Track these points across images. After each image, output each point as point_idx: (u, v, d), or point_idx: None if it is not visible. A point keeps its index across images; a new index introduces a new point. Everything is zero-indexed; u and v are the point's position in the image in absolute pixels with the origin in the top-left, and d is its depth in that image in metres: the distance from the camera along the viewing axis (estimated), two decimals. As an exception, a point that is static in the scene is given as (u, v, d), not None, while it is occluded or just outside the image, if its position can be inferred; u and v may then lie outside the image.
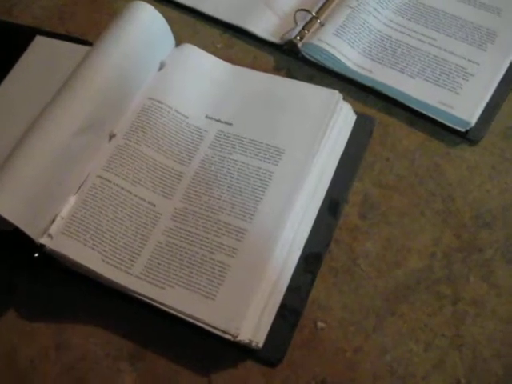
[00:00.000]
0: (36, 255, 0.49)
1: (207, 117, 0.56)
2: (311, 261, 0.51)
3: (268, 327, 0.47)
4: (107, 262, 0.49)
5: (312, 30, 0.60)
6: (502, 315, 0.49)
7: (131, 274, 0.48)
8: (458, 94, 0.56)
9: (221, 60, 0.59)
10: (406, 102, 0.57)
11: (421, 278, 0.50)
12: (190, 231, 0.50)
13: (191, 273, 0.48)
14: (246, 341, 0.46)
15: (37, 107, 0.53)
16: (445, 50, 0.59)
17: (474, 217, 0.53)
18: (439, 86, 0.57)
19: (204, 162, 0.53)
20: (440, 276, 0.50)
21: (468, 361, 0.47)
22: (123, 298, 0.49)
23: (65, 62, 0.57)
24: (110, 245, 0.49)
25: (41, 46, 0.63)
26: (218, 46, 0.63)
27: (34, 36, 0.63)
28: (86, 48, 0.57)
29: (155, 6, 0.61)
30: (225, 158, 0.53)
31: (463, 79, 0.57)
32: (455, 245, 0.52)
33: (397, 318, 0.49)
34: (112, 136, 0.54)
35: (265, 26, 0.63)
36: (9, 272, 0.52)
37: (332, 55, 0.58)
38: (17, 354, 0.49)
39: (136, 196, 0.51)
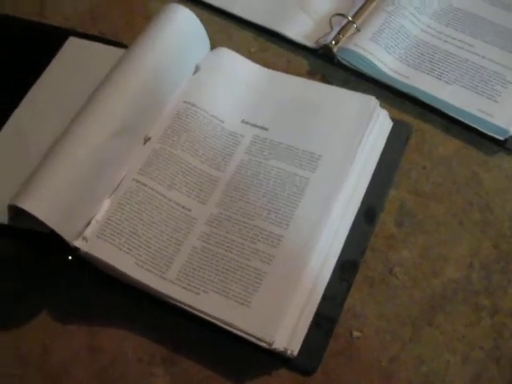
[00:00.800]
0: (70, 258, 0.50)
1: (243, 121, 0.55)
2: (347, 269, 0.50)
3: (303, 335, 0.47)
4: (141, 267, 0.48)
5: (348, 34, 0.60)
6: (541, 328, 0.48)
7: (165, 279, 0.48)
8: (496, 101, 0.56)
9: (256, 64, 0.59)
10: (443, 109, 0.56)
11: (458, 288, 0.50)
12: (225, 237, 0.50)
13: (226, 279, 0.48)
14: (281, 349, 0.45)
15: (70, 109, 0.53)
16: (483, 57, 0.58)
17: (512, 227, 0.52)
18: (477, 93, 0.56)
19: (240, 167, 0.53)
20: (478, 287, 0.50)
21: (507, 374, 0.46)
22: (157, 302, 0.49)
23: (98, 63, 0.57)
24: (144, 249, 0.49)
25: (74, 47, 0.63)
26: (252, 49, 0.63)
27: (67, 37, 0.63)
28: (119, 50, 0.57)
29: (189, 8, 0.61)
30: (261, 163, 0.53)
31: (502, 87, 0.56)
32: (493, 255, 0.51)
33: (433, 329, 0.48)
34: (147, 139, 0.54)
35: (299, 29, 0.62)
36: (43, 273, 0.52)
37: (368, 60, 0.58)
38: (48, 356, 0.49)
39: (171, 200, 0.51)
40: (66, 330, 0.50)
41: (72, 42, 0.63)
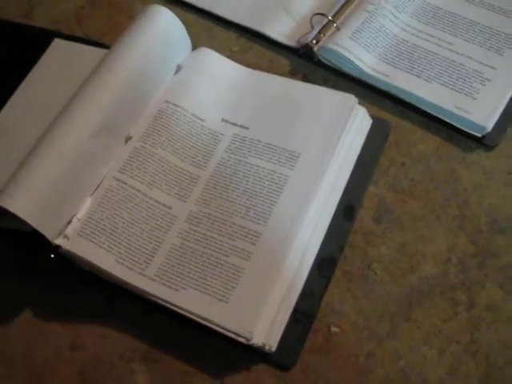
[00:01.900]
0: (52, 256, 0.50)
1: (223, 120, 0.56)
2: (325, 265, 0.51)
3: (281, 331, 0.47)
4: (122, 264, 0.49)
5: (328, 33, 0.60)
6: (518, 322, 0.48)
7: (145, 276, 0.49)
8: (474, 98, 0.56)
9: (237, 64, 0.59)
10: (422, 107, 0.57)
11: (435, 283, 0.50)
12: (204, 234, 0.50)
13: (205, 275, 0.48)
14: (259, 344, 0.46)
15: (55, 109, 0.53)
16: (462, 55, 0.59)
17: (489, 222, 0.52)
18: (456, 90, 0.57)
19: (220, 165, 0.53)
20: (455, 282, 0.50)
21: (482, 368, 0.47)
22: (137, 299, 0.49)
23: (82, 64, 0.58)
24: (124, 246, 0.50)
25: (59, 48, 0.63)
26: (234, 49, 0.63)
27: (52, 39, 0.64)
28: (103, 51, 0.58)
29: (172, 10, 0.61)
30: (240, 161, 0.53)
31: (480, 84, 0.57)
32: (470, 250, 0.51)
33: (411, 324, 0.49)
34: (128, 138, 0.54)
35: (281, 29, 0.63)
36: (25, 272, 0.53)
37: (348, 59, 0.58)
38: (33, 354, 0.50)
39: (151, 198, 0.52)
40: (49, 328, 0.50)
41: (57, 44, 0.64)
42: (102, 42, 0.63)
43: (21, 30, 0.67)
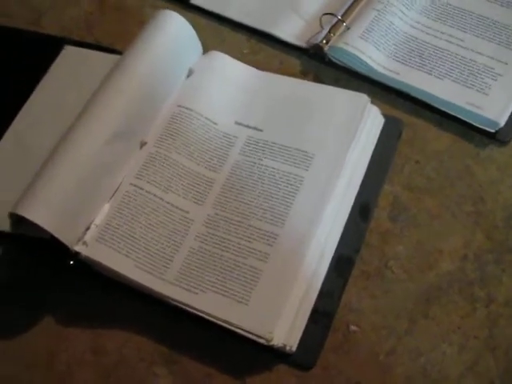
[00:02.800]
0: (71, 262, 0.51)
1: (236, 123, 0.56)
2: (343, 265, 0.51)
3: (301, 331, 0.48)
4: (141, 269, 0.49)
5: (338, 33, 0.61)
6: (536, 316, 0.49)
7: (165, 280, 0.49)
8: (486, 94, 0.56)
9: (248, 66, 0.60)
10: (434, 104, 0.57)
11: (453, 280, 0.50)
12: (222, 237, 0.51)
13: (224, 278, 0.49)
14: (280, 345, 0.46)
15: (68, 116, 0.54)
16: (472, 51, 0.59)
17: (505, 217, 0.53)
18: (467, 86, 0.57)
19: (235, 168, 0.54)
20: (472, 278, 0.50)
21: (502, 363, 0.47)
22: (157, 303, 0.50)
23: (94, 71, 0.58)
24: (143, 251, 0.50)
25: (70, 55, 0.64)
26: (245, 51, 0.64)
27: (63, 46, 0.64)
28: (114, 57, 0.58)
29: (182, 14, 0.62)
30: (255, 163, 0.54)
31: (492, 79, 0.57)
32: (487, 246, 0.52)
33: (429, 321, 0.49)
34: (143, 144, 0.55)
35: (291, 30, 0.63)
36: (46, 278, 0.53)
37: (359, 58, 0.59)
38: (54, 359, 0.50)
39: (168, 203, 0.52)
40: (70, 334, 0.51)
41: (68, 51, 0.64)
42: (113, 48, 0.63)
43: (31, 38, 0.67)
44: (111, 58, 0.59)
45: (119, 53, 0.59)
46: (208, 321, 0.48)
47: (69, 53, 0.64)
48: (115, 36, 0.66)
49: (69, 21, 0.69)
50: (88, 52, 0.64)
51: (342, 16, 0.61)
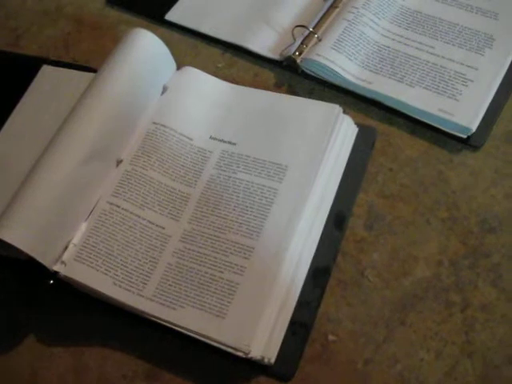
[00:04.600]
0: (51, 282, 0.51)
1: (211, 137, 0.57)
2: (319, 275, 0.51)
3: (279, 343, 0.48)
4: (119, 286, 0.50)
5: (310, 45, 0.61)
6: (512, 320, 0.49)
7: (143, 296, 0.49)
8: (457, 100, 0.57)
9: (221, 80, 0.60)
10: (407, 112, 0.57)
11: (429, 286, 0.51)
12: (198, 252, 0.51)
13: (201, 292, 0.49)
14: (258, 357, 0.46)
15: (47, 136, 0.54)
16: (443, 57, 0.59)
17: (479, 222, 0.53)
18: (439, 93, 0.57)
19: (210, 182, 0.54)
20: (448, 283, 0.51)
21: (479, 368, 0.47)
22: (137, 319, 0.50)
23: (71, 89, 0.59)
24: (121, 269, 0.50)
25: (47, 75, 0.64)
26: (220, 65, 0.64)
27: (41, 65, 0.65)
28: (91, 75, 0.58)
29: (157, 29, 0.62)
30: (230, 177, 0.54)
31: (462, 85, 0.58)
32: (462, 251, 0.52)
33: (406, 328, 0.49)
34: (119, 162, 0.55)
35: (264, 43, 0.64)
36: (25, 298, 0.54)
37: (331, 69, 0.59)
38: (38, 378, 0.51)
39: (145, 220, 0.53)
40: (52, 353, 0.51)
41: (46, 70, 0.65)
42: (90, 66, 0.64)
43: (9, 59, 0.68)
44: (88, 76, 0.59)
45: (96, 71, 0.59)
46: (187, 336, 0.48)
47: (47, 72, 0.65)
48: (92, 54, 0.67)
49: (46, 41, 0.69)
50: (65, 71, 0.64)
51: (313, 28, 0.62)
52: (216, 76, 0.61)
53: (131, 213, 0.53)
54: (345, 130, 0.56)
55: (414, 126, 0.58)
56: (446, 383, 0.47)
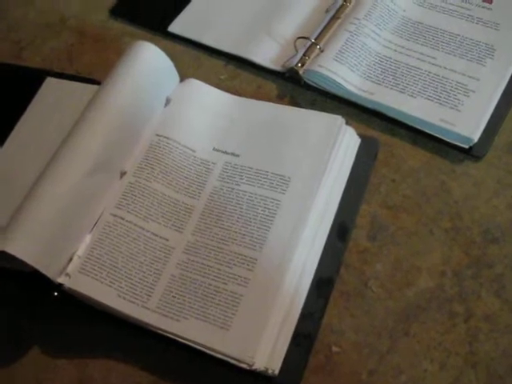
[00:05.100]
0: (55, 294, 0.51)
1: (214, 149, 0.57)
2: (323, 286, 0.51)
3: (283, 354, 0.48)
4: (124, 298, 0.50)
5: (312, 56, 0.61)
6: (515, 330, 0.49)
7: (147, 308, 0.50)
8: (459, 111, 0.57)
9: (224, 92, 0.61)
10: (409, 122, 0.58)
11: (432, 296, 0.51)
12: (202, 263, 0.51)
13: (205, 304, 0.49)
14: (262, 369, 0.47)
15: (51, 148, 0.55)
16: (445, 68, 0.60)
17: (482, 233, 0.53)
18: (440, 104, 0.58)
19: (213, 194, 0.55)
20: (451, 294, 0.51)
21: (483, 378, 0.47)
22: (141, 331, 0.50)
23: (75, 102, 0.59)
24: (125, 281, 0.51)
25: (51, 87, 0.65)
26: (222, 77, 0.65)
27: (45, 78, 0.65)
28: (95, 87, 0.59)
29: (160, 41, 0.63)
30: (233, 189, 0.54)
31: (464, 96, 0.58)
32: (465, 262, 0.52)
33: (410, 338, 0.49)
34: (123, 174, 0.55)
35: (267, 54, 0.64)
36: (30, 310, 0.54)
37: (333, 80, 0.59)
38: (42, 390, 0.51)
39: (149, 231, 0.53)
40: (57, 365, 0.51)
41: (50, 83, 0.65)
42: (93, 78, 0.64)
43: (13, 71, 0.68)
44: (92, 88, 0.60)
45: (99, 83, 0.60)
46: (191, 347, 0.48)
47: (50, 84, 0.65)
48: (95, 66, 0.68)
49: (50, 53, 0.70)
50: (69, 83, 0.65)
51: (315, 39, 0.62)
52: (219, 88, 0.61)
53: (135, 225, 0.53)
54: (347, 141, 0.56)
55: (416, 137, 0.58)
56: (450, 394, 0.47)
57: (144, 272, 0.51)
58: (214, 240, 0.52)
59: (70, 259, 0.52)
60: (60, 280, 0.51)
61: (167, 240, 0.53)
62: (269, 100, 0.61)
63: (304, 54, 0.62)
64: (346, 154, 0.56)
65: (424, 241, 0.53)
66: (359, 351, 0.49)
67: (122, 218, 0.53)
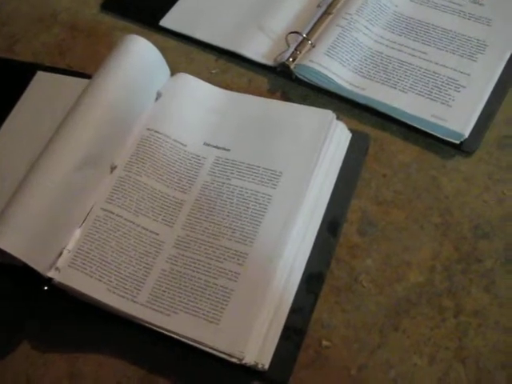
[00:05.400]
0: (45, 288, 0.51)
1: (205, 144, 0.57)
2: (313, 281, 0.51)
3: (273, 348, 0.48)
4: (113, 292, 0.50)
5: (304, 51, 0.61)
6: (505, 325, 0.49)
7: (137, 303, 0.50)
8: (450, 106, 0.57)
9: (215, 87, 0.61)
10: (400, 117, 0.58)
11: (422, 291, 0.51)
12: (192, 258, 0.51)
13: (195, 299, 0.49)
14: (252, 363, 0.47)
15: (42, 142, 0.54)
16: (436, 63, 0.60)
17: (472, 228, 0.53)
18: (431, 99, 0.58)
19: (204, 188, 0.54)
20: (441, 289, 0.51)
21: (472, 373, 0.48)
22: (131, 325, 0.50)
23: (66, 96, 0.59)
24: (115, 275, 0.51)
25: (42, 81, 0.64)
26: (214, 71, 0.65)
27: (36, 72, 0.65)
28: (86, 81, 0.59)
29: (152, 36, 0.62)
30: (224, 183, 0.54)
31: (455, 91, 0.58)
32: (455, 257, 0.52)
33: (400, 333, 0.50)
34: (113, 168, 0.55)
35: (258, 49, 0.64)
36: (20, 305, 0.54)
37: (324, 75, 0.59)
38: (32, 385, 0.51)
39: (139, 226, 0.53)
40: (47, 360, 0.51)
41: (40, 77, 0.65)
42: (84, 72, 0.64)
43: (4, 65, 0.68)
44: (83, 82, 0.59)
45: (90, 77, 0.60)
46: (181, 342, 0.48)
47: (41, 78, 0.65)
48: (87, 60, 0.67)
49: (41, 47, 0.70)
50: (60, 77, 0.65)
51: (307, 34, 0.62)
52: (210, 82, 0.61)
53: (125, 219, 0.53)
54: (338, 136, 0.56)
55: (407, 132, 0.58)
56: (440, 389, 0.47)
57: (134, 266, 0.51)
58: (205, 234, 0.52)
59: (60, 253, 0.52)
60: (50, 274, 0.51)
61: (157, 234, 0.53)
62: (260, 95, 0.61)
63: (295, 49, 0.62)
64: (337, 149, 0.56)
65: (414, 236, 0.53)
66: (349, 346, 0.49)
67: (112, 213, 0.53)
